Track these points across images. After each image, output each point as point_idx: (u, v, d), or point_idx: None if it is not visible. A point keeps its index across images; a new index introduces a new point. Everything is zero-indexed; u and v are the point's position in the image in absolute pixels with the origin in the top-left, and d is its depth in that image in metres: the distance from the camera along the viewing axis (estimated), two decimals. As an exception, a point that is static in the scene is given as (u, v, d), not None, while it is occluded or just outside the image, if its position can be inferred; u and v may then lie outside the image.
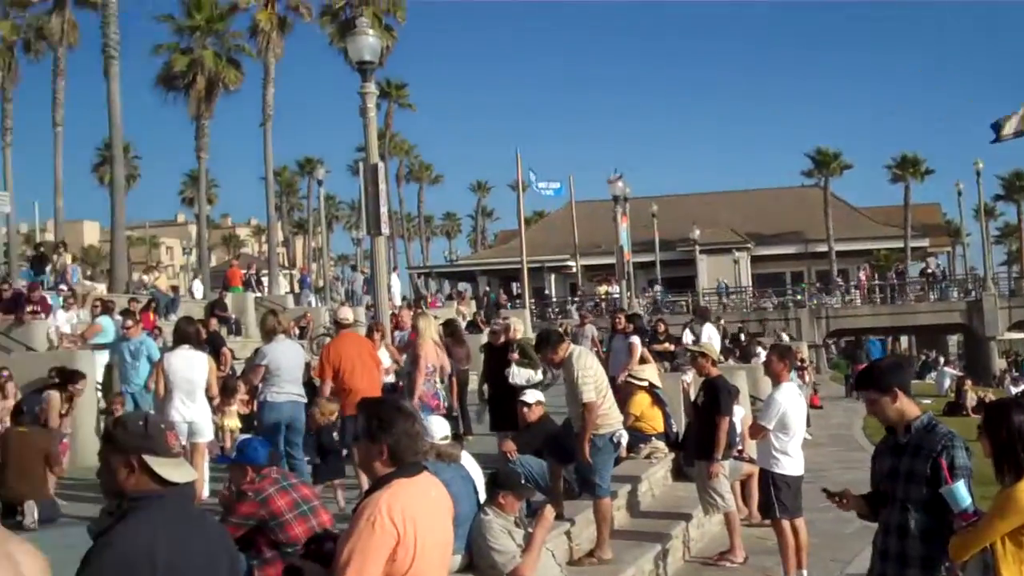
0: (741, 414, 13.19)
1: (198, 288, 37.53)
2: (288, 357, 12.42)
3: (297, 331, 26.13)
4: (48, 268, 27.27)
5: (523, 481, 8.52)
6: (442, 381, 13.06)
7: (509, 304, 43.99)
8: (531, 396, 11.85)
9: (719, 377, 11.44)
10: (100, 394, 18.22)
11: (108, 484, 3.73)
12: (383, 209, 16.94)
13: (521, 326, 15.74)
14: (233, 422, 16.11)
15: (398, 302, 32.68)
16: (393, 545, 4.07)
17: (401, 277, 47.06)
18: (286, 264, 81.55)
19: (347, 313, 14.57)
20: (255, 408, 14.17)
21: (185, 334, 12.72)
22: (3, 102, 38.56)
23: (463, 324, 32.49)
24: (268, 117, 46.96)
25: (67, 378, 15.67)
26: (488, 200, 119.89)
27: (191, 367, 12.28)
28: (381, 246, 17.84)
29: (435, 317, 15.70)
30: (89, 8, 41.88)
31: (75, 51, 43.67)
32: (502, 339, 14.82)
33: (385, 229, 17.30)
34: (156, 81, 46.74)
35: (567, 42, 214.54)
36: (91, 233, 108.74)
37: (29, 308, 20.74)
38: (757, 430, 10.48)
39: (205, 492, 11.42)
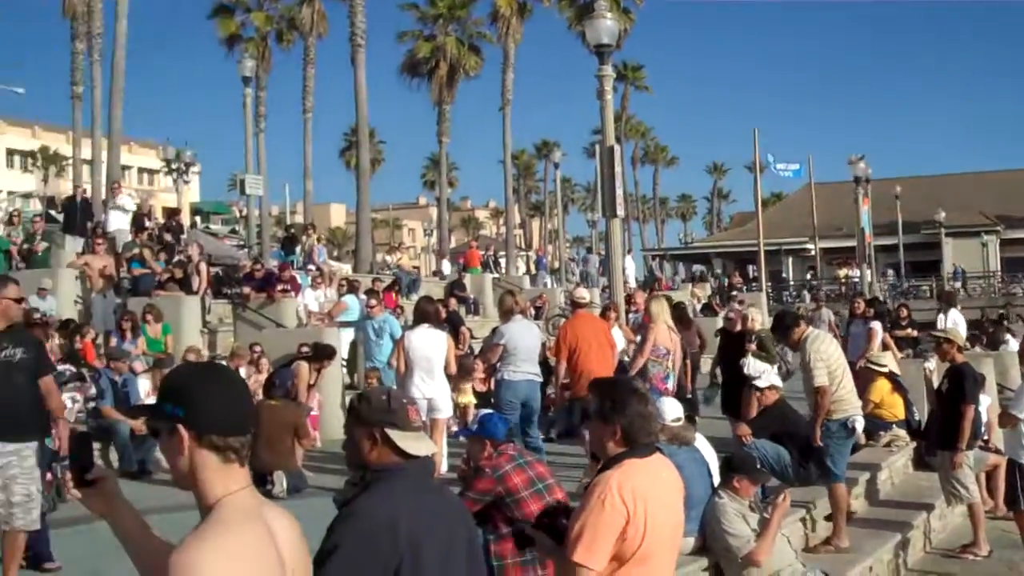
0: (987, 403, 12.68)
1: (447, 267, 38.32)
2: (525, 337, 12.56)
3: (533, 311, 26.48)
4: (298, 249, 28.40)
5: (758, 466, 8.43)
6: (676, 364, 12.99)
7: (744, 287, 43.31)
8: (764, 380, 11.68)
9: (964, 364, 11.00)
10: (345, 370, 18.93)
11: (352, 456, 3.85)
12: (619, 191, 16.98)
13: (759, 316, 15.47)
14: (469, 399, 16.49)
15: (632, 284, 32.65)
16: (623, 524, 4.11)
17: (636, 259, 47.02)
18: (523, 246, 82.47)
19: (584, 293, 14.64)
20: (492, 386, 14.45)
21: (425, 313, 13.05)
22: (257, 90, 40.21)
23: (698, 307, 32.34)
24: (507, 101, 47.61)
25: (321, 354, 16.34)
26: (724, 182, 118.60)
27: (431, 345, 12.58)
28: (616, 228, 17.89)
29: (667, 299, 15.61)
30: (338, -2, 43.35)
31: (324, 40, 45.26)
32: (739, 327, 14.63)
33: (620, 211, 17.33)
34: (400, 68, 48.08)
35: (806, 21, 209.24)
36: (337, 215, 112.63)
37: (280, 287, 21.61)
38: (1008, 419, 10.06)
39: (443, 467, 11.68)
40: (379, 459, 3.75)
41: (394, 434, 3.75)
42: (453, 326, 19.61)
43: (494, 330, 14.90)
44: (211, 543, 2.44)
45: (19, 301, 8.39)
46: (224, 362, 16.37)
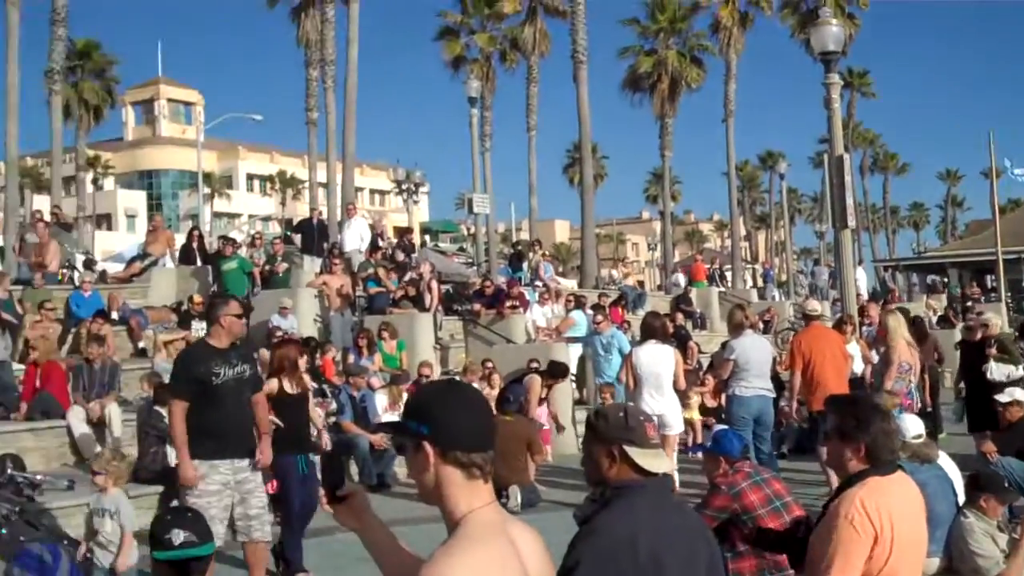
0: None
1: (681, 279, 37.84)
2: (756, 351, 12.42)
3: (761, 325, 26.10)
4: (525, 265, 28.77)
5: (1006, 484, 8.11)
6: (914, 379, 12.63)
7: (982, 298, 41.54)
8: (1006, 395, 11.21)
9: None
10: (574, 385, 19.07)
11: (591, 473, 3.87)
12: (849, 201, 16.62)
13: (998, 321, 14.89)
14: (694, 414, 16.40)
15: (864, 295, 31.76)
16: (871, 543, 4.05)
17: (867, 270, 45.73)
18: (748, 258, 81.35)
19: (815, 305, 14.46)
20: (722, 402, 14.33)
21: (652, 328, 13.05)
22: (483, 110, 40.93)
23: (934, 319, 31.22)
24: (730, 113, 47.11)
25: (555, 372, 16.50)
26: (958, 189, 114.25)
27: (658, 361, 12.57)
28: (846, 239, 17.49)
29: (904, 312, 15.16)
30: (559, 17, 43.72)
31: (546, 59, 45.70)
32: (978, 335, 14.10)
33: (851, 221, 16.96)
34: (622, 83, 48.10)
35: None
36: (562, 231, 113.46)
37: (508, 303, 21.94)
38: None
39: (676, 483, 11.66)
40: (618, 476, 3.77)
41: (632, 451, 3.76)
42: (680, 341, 19.53)
43: (723, 344, 14.78)
44: (459, 558, 2.50)
45: (240, 317, 8.74)
46: (457, 378, 16.75)
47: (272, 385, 9.76)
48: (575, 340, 19.92)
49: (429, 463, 2.66)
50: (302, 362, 10.46)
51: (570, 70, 38.53)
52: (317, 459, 10.01)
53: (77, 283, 19.69)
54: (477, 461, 2.66)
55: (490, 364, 17.85)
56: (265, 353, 16.78)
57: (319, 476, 9.41)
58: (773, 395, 12.59)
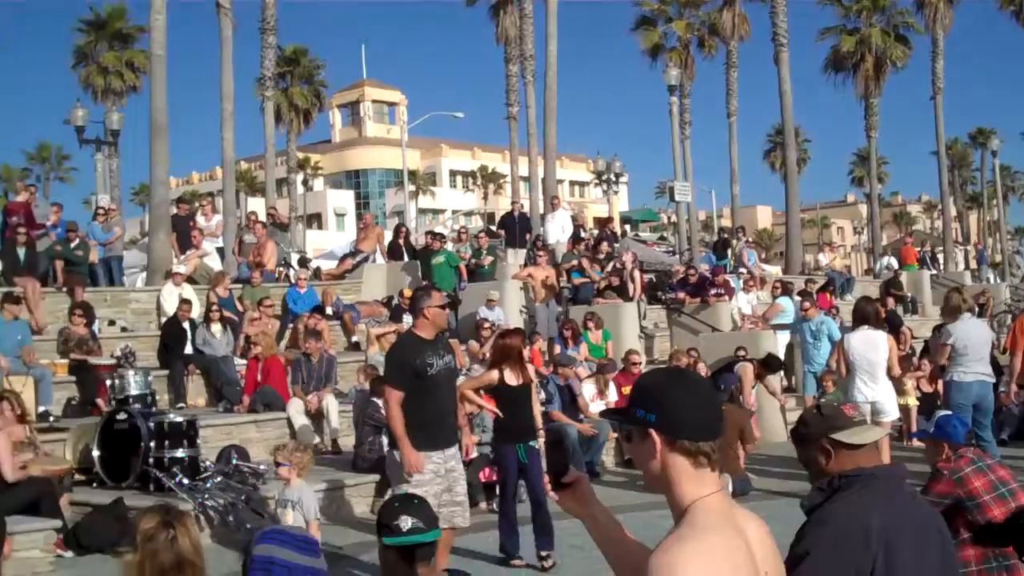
0: None
1: (893, 262, 36.22)
2: (975, 335, 12.02)
3: (976, 308, 25.21)
4: (728, 252, 28.54)
5: None
6: None
7: None
8: None
9: None
10: (782, 373, 18.85)
11: (815, 475, 3.87)
12: (1071, 178, 15.94)
13: None
14: (911, 400, 16.00)
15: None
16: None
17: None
18: (960, 240, 78.51)
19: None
20: (939, 388, 13.96)
21: (865, 314, 12.75)
22: (682, 98, 40.63)
23: None
24: (938, 90, 45.52)
25: (773, 365, 16.31)
26: None
27: (872, 347, 12.28)
28: (1070, 217, 16.78)
29: None
30: (758, 0, 43.13)
31: (745, 43, 45.09)
32: None
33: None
34: (824, 65, 47.11)
35: None
36: (763, 217, 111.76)
37: (713, 291, 21.84)
38: None
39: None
40: (840, 466, 3.77)
41: (840, 435, 3.77)
42: (892, 326, 19.07)
43: (936, 329, 14.39)
44: (691, 546, 2.48)
45: (444, 308, 8.96)
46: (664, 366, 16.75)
47: (492, 376, 9.91)
48: (782, 327, 19.68)
49: (656, 451, 2.64)
50: (525, 353, 10.53)
51: (768, 54, 37.92)
52: (540, 447, 10.03)
53: (293, 280, 20.48)
54: (705, 449, 2.64)
55: (695, 352, 17.79)
56: (475, 345, 17.16)
57: (543, 465, 9.51)
58: (993, 380, 12.20)
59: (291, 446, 8.37)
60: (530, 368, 10.53)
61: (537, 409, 10.62)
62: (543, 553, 9.52)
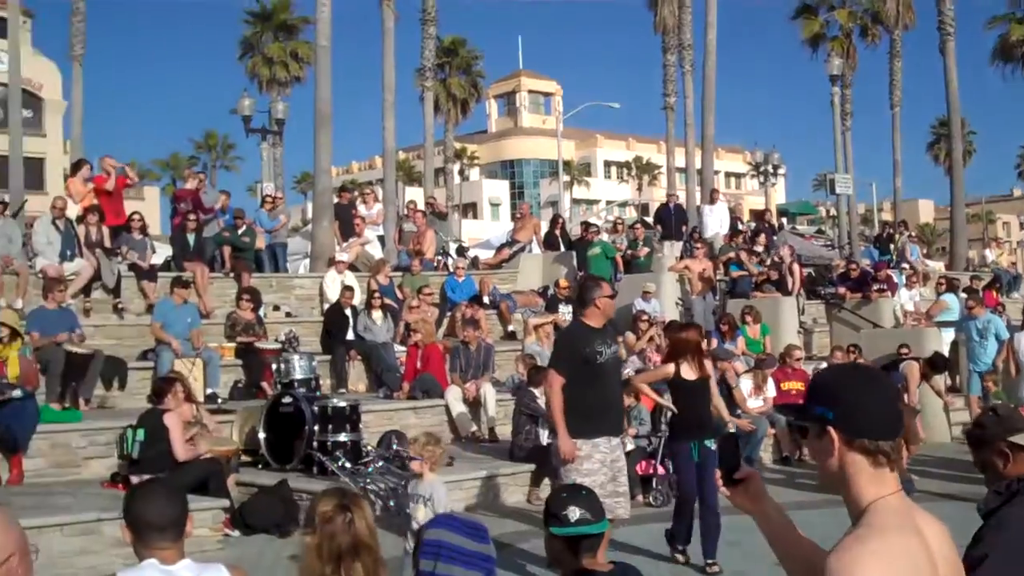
0: None
1: None
2: None
3: None
4: (891, 247, 27.89)
5: None
6: None
7: None
8: None
9: None
10: (947, 372, 18.37)
11: (992, 479, 3.84)
12: None
13: None
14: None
15: None
16: None
17: None
18: None
19: None
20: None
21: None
22: (843, 88, 39.83)
23: None
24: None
25: (939, 365, 15.89)
26: None
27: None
28: None
29: None
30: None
31: (910, 32, 43.93)
32: None
33: None
34: (992, 54, 45.63)
35: None
36: (925, 211, 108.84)
37: (875, 287, 21.40)
38: None
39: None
40: (1017, 471, 3.71)
41: (1018, 438, 3.73)
42: (1064, 326, 18.42)
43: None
44: (870, 547, 2.45)
45: (612, 299, 8.98)
46: (823, 363, 16.52)
47: (668, 369, 9.88)
48: (946, 324, 19.19)
49: (834, 448, 2.58)
50: (704, 345, 10.42)
51: (932, 43, 37.03)
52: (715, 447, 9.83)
53: (451, 269, 20.72)
54: (884, 448, 2.56)
55: (855, 349, 17.45)
56: (631, 337, 17.16)
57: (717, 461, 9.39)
58: None
59: (423, 440, 7.97)
60: (707, 363, 10.33)
61: (719, 403, 10.52)
62: (709, 561, 9.45)
